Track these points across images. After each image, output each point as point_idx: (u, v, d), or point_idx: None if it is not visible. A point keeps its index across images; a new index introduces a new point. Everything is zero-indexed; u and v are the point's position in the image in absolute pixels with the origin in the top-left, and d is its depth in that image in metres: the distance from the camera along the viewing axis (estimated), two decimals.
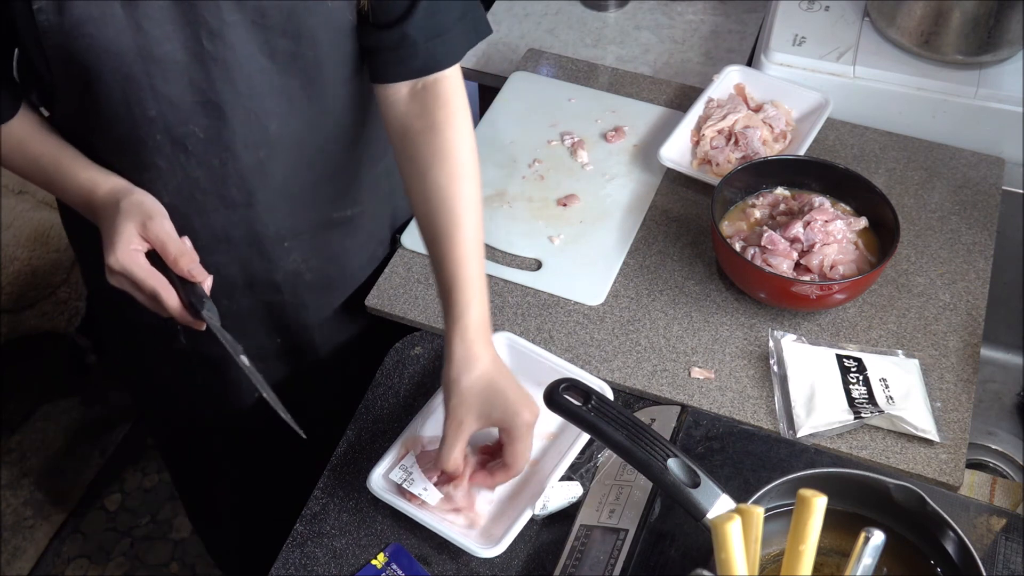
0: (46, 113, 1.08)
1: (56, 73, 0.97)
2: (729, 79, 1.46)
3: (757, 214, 1.25)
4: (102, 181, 1.02)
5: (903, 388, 1.10)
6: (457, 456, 0.98)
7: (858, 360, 1.13)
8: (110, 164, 1.04)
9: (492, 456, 1.03)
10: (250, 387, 1.23)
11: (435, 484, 1.01)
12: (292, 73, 1.02)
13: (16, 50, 1.02)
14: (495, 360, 0.99)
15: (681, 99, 1.48)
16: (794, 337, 1.16)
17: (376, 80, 1.08)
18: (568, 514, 1.02)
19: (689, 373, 1.15)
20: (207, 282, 1.00)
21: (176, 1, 0.94)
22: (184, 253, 0.98)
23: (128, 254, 0.96)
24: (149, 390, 1.41)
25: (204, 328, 1.00)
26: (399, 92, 1.07)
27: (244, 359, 0.99)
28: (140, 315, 1.09)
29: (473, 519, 1.02)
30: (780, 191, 1.28)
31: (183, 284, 0.99)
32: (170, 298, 0.97)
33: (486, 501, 1.04)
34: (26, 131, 1.05)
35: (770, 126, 1.38)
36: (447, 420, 0.98)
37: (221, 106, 1.02)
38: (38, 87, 1.06)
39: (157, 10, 0.94)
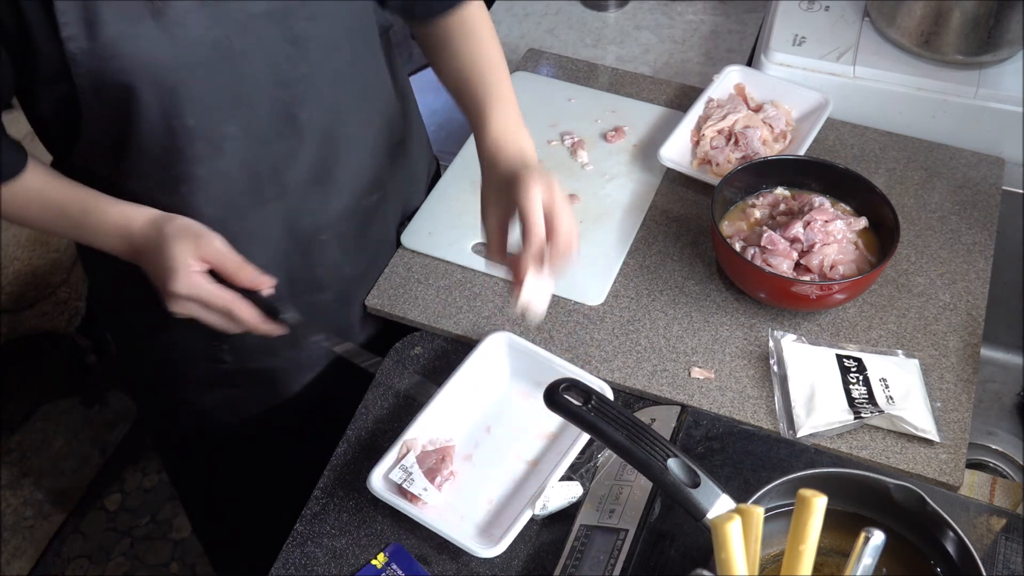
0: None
1: (87, 104, 0.96)
2: (729, 79, 1.46)
3: (757, 214, 1.25)
4: (136, 214, 1.02)
5: (903, 388, 1.10)
6: (493, 245, 1.03)
7: (858, 360, 1.13)
8: (139, 193, 1.03)
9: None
10: (271, 393, 1.26)
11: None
12: (314, 58, 1.03)
13: (13, 102, 1.01)
14: (513, 148, 1.06)
15: (681, 99, 1.49)
16: (794, 337, 1.16)
17: (420, 18, 1.15)
18: (568, 514, 1.02)
19: (689, 373, 1.15)
20: (271, 286, 1.02)
21: (203, 2, 0.94)
22: (243, 265, 0.99)
23: (191, 277, 0.97)
24: (165, 405, 1.38)
25: (285, 331, 1.03)
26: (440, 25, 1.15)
27: (336, 347, 1.09)
28: (175, 341, 1.13)
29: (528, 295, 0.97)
30: (780, 191, 1.28)
31: (247, 296, 1.00)
32: (245, 310, 0.99)
33: (486, 500, 1.05)
34: (42, 181, 1.03)
35: (770, 126, 1.38)
36: (484, 207, 1.05)
37: (252, 100, 1.02)
38: (50, 133, 1.04)
39: (186, 15, 0.93)
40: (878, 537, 0.76)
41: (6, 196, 1.01)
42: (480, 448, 1.09)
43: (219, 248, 0.99)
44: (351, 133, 1.13)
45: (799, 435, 1.07)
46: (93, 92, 0.94)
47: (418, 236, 1.30)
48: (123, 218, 1.02)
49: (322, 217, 1.15)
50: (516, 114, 1.11)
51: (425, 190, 1.37)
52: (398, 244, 1.30)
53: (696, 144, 1.38)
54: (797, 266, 1.18)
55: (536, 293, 0.98)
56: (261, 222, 1.11)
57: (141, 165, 1.02)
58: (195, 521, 1.78)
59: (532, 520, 1.02)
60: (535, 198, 0.97)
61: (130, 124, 0.98)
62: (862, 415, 1.07)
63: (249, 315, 1.00)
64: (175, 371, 1.27)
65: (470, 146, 1.42)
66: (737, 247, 1.20)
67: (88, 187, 1.03)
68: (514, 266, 0.99)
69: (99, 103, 0.96)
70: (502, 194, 1.02)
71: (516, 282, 0.98)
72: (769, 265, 1.17)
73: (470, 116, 1.13)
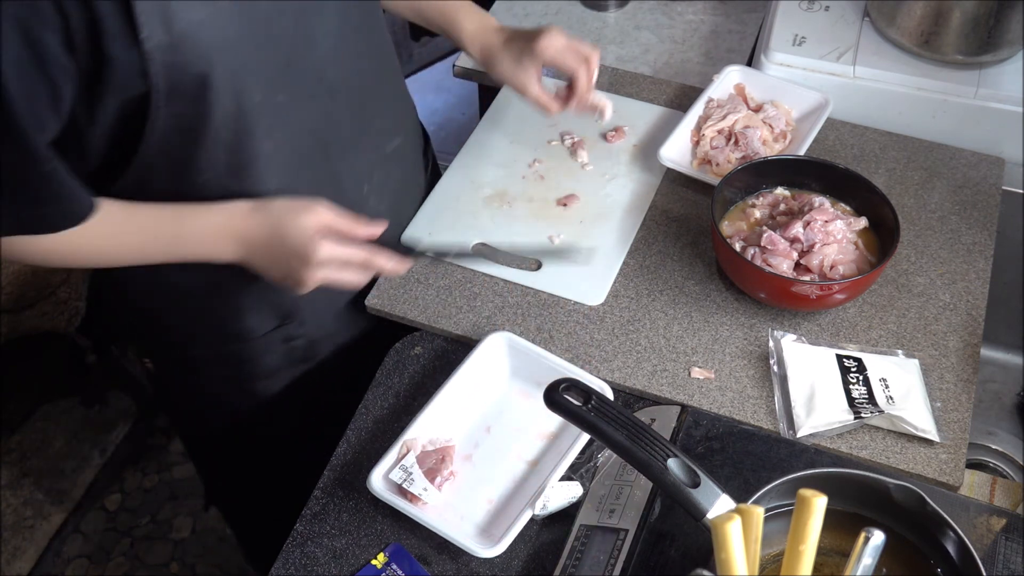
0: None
1: (159, 104, 0.94)
2: (729, 79, 1.46)
3: (757, 214, 1.25)
4: (234, 209, 1.04)
5: (903, 388, 1.10)
6: (546, 101, 1.26)
7: (858, 360, 1.13)
8: (209, 186, 1.04)
9: None
10: (311, 384, 1.31)
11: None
12: (328, 11, 1.05)
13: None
14: (503, 34, 1.25)
15: (681, 99, 1.48)
16: (794, 337, 1.16)
17: None
18: (568, 514, 1.02)
19: (689, 373, 1.15)
20: (383, 228, 1.10)
21: None
22: (355, 220, 1.07)
23: (325, 243, 1.03)
24: (206, 405, 1.39)
25: (410, 263, 1.15)
26: None
27: (467, 250, 1.25)
28: (245, 328, 1.20)
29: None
30: (780, 191, 1.28)
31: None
32: (380, 256, 1.09)
33: (486, 500, 1.05)
34: (122, 208, 1.02)
35: (770, 126, 1.38)
36: (520, 94, 1.26)
37: (295, 65, 1.03)
38: (101, 158, 1.02)
39: None
40: (878, 537, 0.76)
41: (95, 232, 1.00)
42: (480, 448, 1.09)
43: (330, 212, 1.05)
44: (368, 85, 1.15)
45: (799, 435, 1.07)
46: (167, 89, 0.94)
47: (418, 236, 1.30)
48: (223, 216, 1.04)
49: (362, 171, 1.19)
50: (477, 8, 1.26)
51: (425, 170, 1.39)
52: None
53: (696, 144, 1.38)
54: (797, 266, 1.18)
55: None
56: (315, 186, 1.12)
57: (214, 154, 1.02)
58: (228, 512, 1.80)
59: (532, 520, 1.02)
60: (559, 41, 1.22)
61: (204, 113, 0.97)
62: (862, 415, 1.07)
63: (385, 259, 1.09)
64: (240, 360, 1.28)
65: (470, 146, 1.43)
66: (737, 247, 1.20)
67: (165, 203, 1.03)
68: (573, 89, 1.25)
69: (173, 99, 0.95)
70: (527, 66, 1.23)
71: (580, 100, 1.26)
72: (769, 265, 1.17)
73: (443, 29, 1.27)
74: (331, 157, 1.13)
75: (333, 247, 1.04)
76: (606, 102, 1.29)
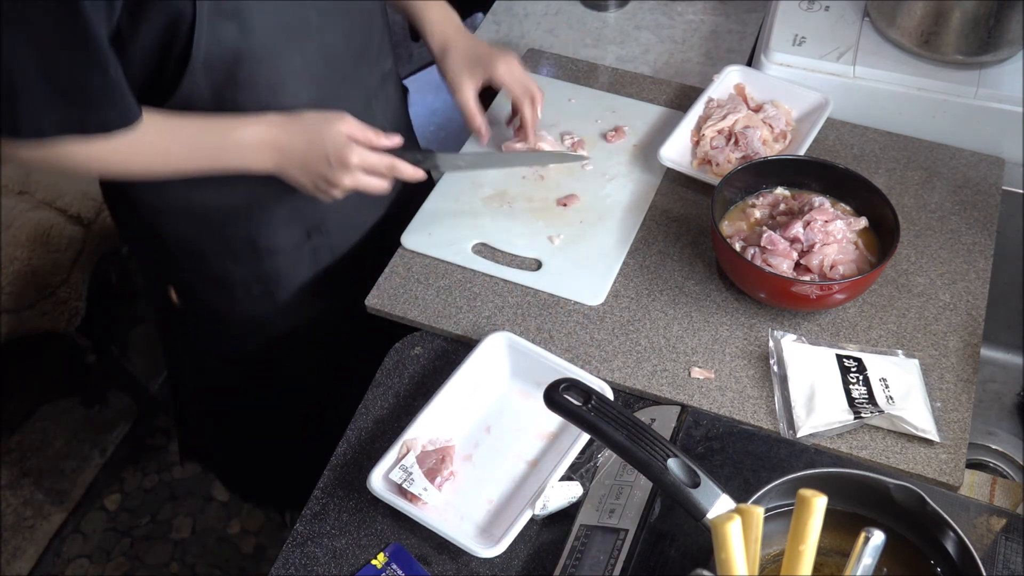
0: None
1: (204, 19, 1.01)
2: (729, 79, 1.46)
3: (757, 214, 1.25)
4: (271, 119, 1.12)
5: (903, 388, 1.10)
6: (474, 109, 1.32)
7: (858, 360, 1.13)
8: (249, 103, 1.11)
9: None
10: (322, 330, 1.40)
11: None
12: None
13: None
14: (468, 36, 1.32)
15: (681, 99, 1.49)
16: (794, 337, 1.16)
17: None
18: (568, 514, 1.02)
19: (689, 373, 1.15)
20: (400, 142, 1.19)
21: None
22: (378, 131, 1.16)
23: (356, 148, 1.13)
24: (235, 330, 1.42)
25: (423, 174, 1.21)
26: None
27: (464, 158, 1.34)
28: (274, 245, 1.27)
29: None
30: (780, 191, 1.28)
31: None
32: (401, 163, 1.17)
33: (486, 500, 1.05)
34: (166, 118, 1.08)
35: (770, 126, 1.38)
36: (453, 93, 1.31)
37: None
38: (153, 71, 1.07)
39: None
40: (878, 537, 0.76)
41: (141, 139, 1.05)
42: (480, 448, 1.09)
43: (357, 123, 1.14)
44: (364, 7, 1.21)
45: (799, 435, 1.07)
46: (212, 9, 1.00)
47: (418, 236, 1.30)
48: (262, 126, 1.11)
49: (370, 86, 1.27)
50: (446, 7, 1.34)
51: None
52: (399, 245, 1.30)
53: (696, 144, 1.38)
54: (797, 266, 1.18)
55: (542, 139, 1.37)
56: (337, 100, 1.19)
57: (254, 71, 1.09)
58: (208, 463, 1.89)
59: (532, 520, 1.02)
60: (515, 68, 1.31)
61: (247, 29, 1.05)
62: (862, 415, 1.07)
63: (406, 166, 1.18)
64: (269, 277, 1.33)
65: (470, 146, 1.43)
66: (737, 247, 1.20)
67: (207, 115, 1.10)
68: (521, 125, 1.35)
69: (216, 17, 1.01)
70: (475, 70, 1.30)
71: (523, 135, 1.35)
72: (769, 265, 1.17)
73: (410, 13, 1.34)
74: (347, 74, 1.21)
75: (364, 152, 1.13)
76: (544, 145, 1.38)
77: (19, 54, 0.94)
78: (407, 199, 1.37)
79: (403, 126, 1.42)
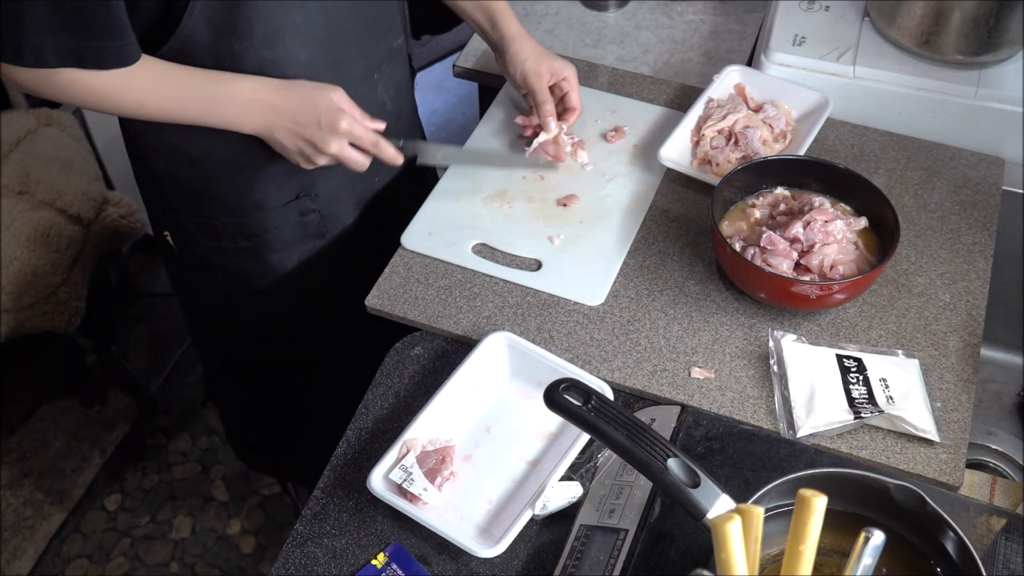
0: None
1: None
2: (729, 79, 1.46)
3: (757, 214, 1.25)
4: (264, 80, 1.15)
5: (903, 388, 1.10)
6: (550, 106, 1.35)
7: (858, 360, 1.13)
8: (247, 55, 1.14)
9: None
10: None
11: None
12: None
13: None
14: (534, 42, 1.37)
15: (681, 99, 1.49)
16: (794, 337, 1.16)
17: None
18: (568, 514, 1.02)
19: (689, 373, 1.15)
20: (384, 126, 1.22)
21: None
22: (365, 114, 1.19)
23: (348, 117, 1.16)
24: (224, 277, 1.44)
25: (402, 158, 1.24)
26: None
27: (443, 151, 1.37)
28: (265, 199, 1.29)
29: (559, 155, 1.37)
30: (780, 191, 1.28)
31: None
32: (384, 143, 1.20)
33: (486, 500, 1.05)
34: (163, 63, 1.11)
35: (770, 126, 1.38)
36: (526, 77, 1.35)
37: None
38: (155, 16, 1.10)
39: None
40: (878, 537, 0.76)
41: (138, 77, 1.09)
42: (480, 448, 1.09)
43: (349, 99, 1.17)
44: None
45: (799, 435, 1.07)
46: None
47: (418, 236, 1.30)
48: (257, 84, 1.15)
49: (374, 59, 1.30)
50: (516, 19, 1.38)
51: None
52: (399, 245, 1.30)
53: (696, 144, 1.38)
54: (797, 266, 1.18)
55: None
56: (336, 66, 1.23)
57: (252, 22, 1.12)
58: (223, 408, 1.91)
59: (532, 520, 1.02)
60: (573, 79, 1.38)
61: None
62: (862, 415, 1.07)
63: (389, 147, 1.21)
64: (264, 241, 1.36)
65: (470, 146, 1.43)
66: (737, 247, 1.20)
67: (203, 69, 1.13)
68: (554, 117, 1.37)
69: None
70: (545, 61, 1.35)
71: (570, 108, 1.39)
72: (769, 265, 1.17)
73: (481, 27, 1.39)
74: (351, 40, 1.24)
75: (352, 122, 1.17)
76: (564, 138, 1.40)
77: None
78: (407, 199, 1.37)
79: (407, 106, 1.45)
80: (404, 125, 1.43)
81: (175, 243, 1.39)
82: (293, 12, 1.15)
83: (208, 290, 1.47)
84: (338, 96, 1.16)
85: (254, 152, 1.23)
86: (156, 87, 1.12)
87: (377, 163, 1.25)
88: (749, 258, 1.17)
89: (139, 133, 1.26)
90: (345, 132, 1.16)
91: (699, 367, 1.15)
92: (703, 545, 0.84)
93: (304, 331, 1.49)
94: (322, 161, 1.19)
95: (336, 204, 1.37)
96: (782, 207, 1.25)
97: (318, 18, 1.18)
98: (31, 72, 1.05)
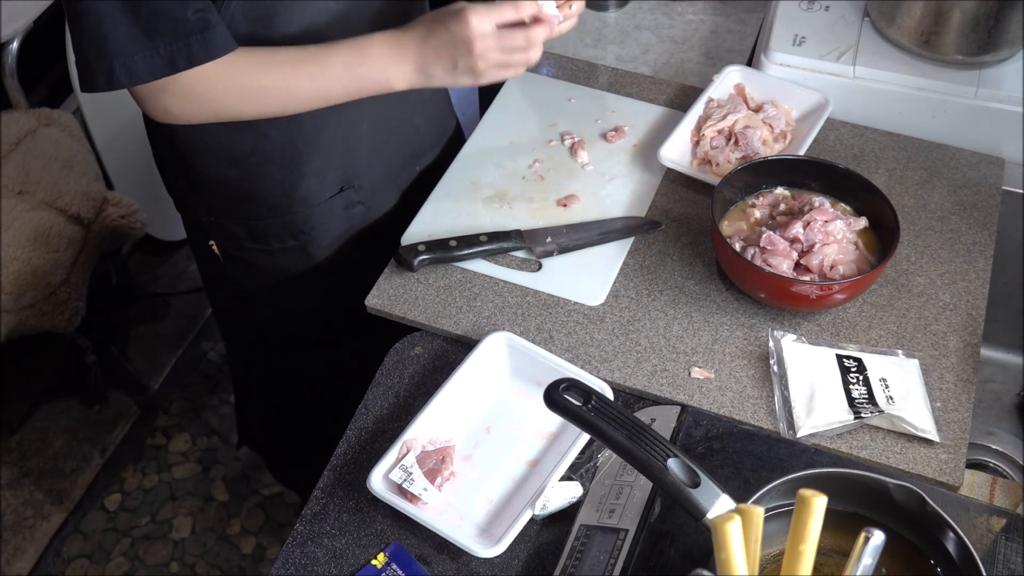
0: None
1: None
2: (729, 79, 1.46)
3: (757, 214, 1.25)
4: (370, 36, 1.11)
5: (903, 388, 1.10)
6: None
7: (858, 360, 1.13)
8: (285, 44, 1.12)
9: None
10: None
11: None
12: None
13: None
14: None
15: (681, 99, 1.49)
16: (794, 337, 1.16)
17: None
18: (568, 514, 1.02)
19: (689, 373, 1.15)
20: None
21: None
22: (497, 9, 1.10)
23: (481, 42, 1.07)
24: (271, 281, 1.43)
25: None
26: None
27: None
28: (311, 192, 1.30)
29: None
30: (780, 191, 1.28)
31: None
32: (535, 28, 1.09)
33: (486, 500, 1.05)
34: (262, 48, 1.10)
35: (770, 126, 1.38)
36: None
37: None
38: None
39: None
40: (878, 537, 0.76)
41: (239, 66, 1.08)
42: (480, 448, 1.09)
43: (475, 15, 1.07)
44: None
45: (799, 435, 1.07)
46: None
47: (418, 237, 1.30)
48: (384, 34, 1.11)
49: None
50: None
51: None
52: (399, 244, 1.30)
53: (696, 144, 1.38)
54: (797, 266, 1.18)
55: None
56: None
57: (291, 12, 1.12)
58: (259, 446, 1.89)
59: (532, 520, 1.02)
60: None
61: None
62: (862, 415, 1.07)
63: (539, 30, 1.09)
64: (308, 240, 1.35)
65: (470, 146, 1.43)
66: (737, 247, 1.20)
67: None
68: None
69: None
70: None
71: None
72: (769, 265, 1.17)
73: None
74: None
75: (485, 39, 1.07)
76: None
77: (103, 7, 1.00)
78: (406, 199, 1.37)
79: (443, 95, 1.46)
80: (441, 115, 1.45)
81: (220, 252, 1.38)
82: (332, 4, 1.15)
83: (254, 298, 1.45)
84: (464, 17, 1.07)
85: (297, 148, 1.24)
86: (259, 70, 1.10)
87: (415, 149, 1.25)
88: (749, 258, 1.17)
89: (186, 138, 1.25)
90: (480, 32, 1.07)
91: (699, 367, 1.15)
92: (703, 545, 0.84)
93: (348, 334, 1.47)
94: (486, 68, 1.10)
95: (380, 194, 1.37)
96: (782, 207, 1.25)
97: (361, 11, 1.18)
98: (148, 90, 1.06)
